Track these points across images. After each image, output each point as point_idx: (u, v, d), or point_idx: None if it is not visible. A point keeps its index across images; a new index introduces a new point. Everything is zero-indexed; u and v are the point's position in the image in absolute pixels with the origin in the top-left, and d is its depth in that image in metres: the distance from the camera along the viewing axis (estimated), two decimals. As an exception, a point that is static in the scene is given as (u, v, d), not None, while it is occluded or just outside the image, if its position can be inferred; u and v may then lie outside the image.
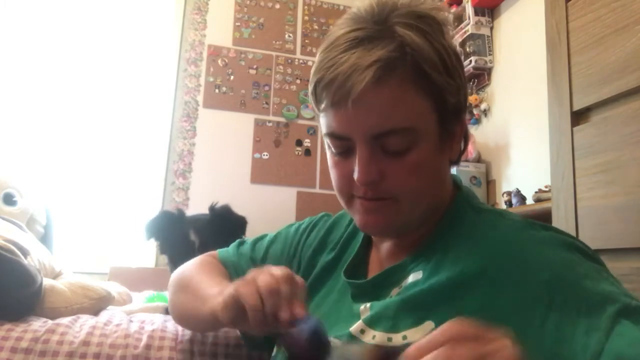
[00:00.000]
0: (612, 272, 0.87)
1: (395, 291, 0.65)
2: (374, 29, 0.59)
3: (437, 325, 0.54)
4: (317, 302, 0.77)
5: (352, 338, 0.63)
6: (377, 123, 0.58)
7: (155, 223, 1.34)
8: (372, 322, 0.62)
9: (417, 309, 0.59)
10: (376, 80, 0.56)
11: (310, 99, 0.64)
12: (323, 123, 0.64)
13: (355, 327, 0.63)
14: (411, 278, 0.64)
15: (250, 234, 1.27)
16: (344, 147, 0.62)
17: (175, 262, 1.22)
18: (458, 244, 0.62)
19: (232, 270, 0.86)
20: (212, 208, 1.39)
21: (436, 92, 0.59)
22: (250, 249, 0.90)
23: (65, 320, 1.00)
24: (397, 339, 0.59)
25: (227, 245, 0.99)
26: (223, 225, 1.33)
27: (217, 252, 0.95)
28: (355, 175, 0.61)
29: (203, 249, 1.16)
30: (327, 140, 0.65)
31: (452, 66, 0.60)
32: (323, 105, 0.61)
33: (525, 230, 0.61)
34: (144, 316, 1.14)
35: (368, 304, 0.66)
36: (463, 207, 0.67)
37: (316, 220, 0.87)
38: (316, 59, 0.62)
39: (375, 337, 0.61)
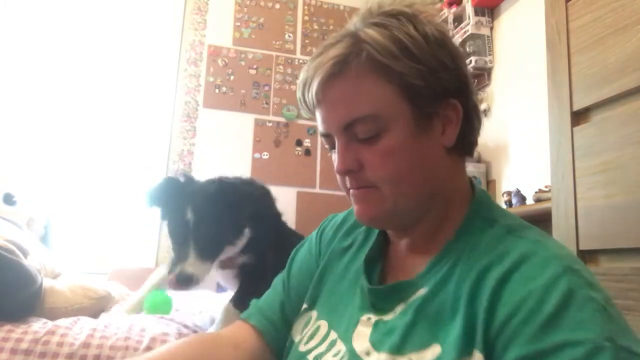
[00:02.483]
0: (612, 272, 0.86)
1: (400, 307, 0.64)
2: (342, 35, 0.65)
3: (443, 348, 0.55)
4: (330, 287, 0.77)
5: (356, 357, 0.63)
6: (342, 114, 0.63)
7: (157, 191, 1.21)
8: (377, 344, 0.62)
9: (424, 331, 0.59)
10: (332, 75, 0.62)
11: (301, 104, 0.71)
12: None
13: (360, 346, 0.64)
14: (418, 294, 0.63)
15: (250, 234, 1.24)
16: (332, 143, 0.67)
17: (173, 247, 1.16)
18: (463, 264, 0.61)
19: (264, 328, 0.81)
20: (217, 181, 1.21)
21: (398, 77, 0.61)
22: (287, 270, 0.89)
23: (65, 322, 1.00)
24: None
25: (227, 233, 1.07)
26: (225, 205, 1.16)
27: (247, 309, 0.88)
28: (335, 166, 0.66)
29: (197, 233, 1.11)
30: (323, 141, 0.71)
31: (420, 52, 0.61)
32: (311, 109, 0.69)
33: (528, 247, 0.57)
34: (145, 319, 1.14)
35: (373, 319, 0.65)
36: (475, 219, 0.65)
37: (330, 217, 0.90)
38: None
39: (379, 359, 0.60)
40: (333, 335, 0.70)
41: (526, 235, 0.59)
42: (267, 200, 1.34)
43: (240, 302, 1.20)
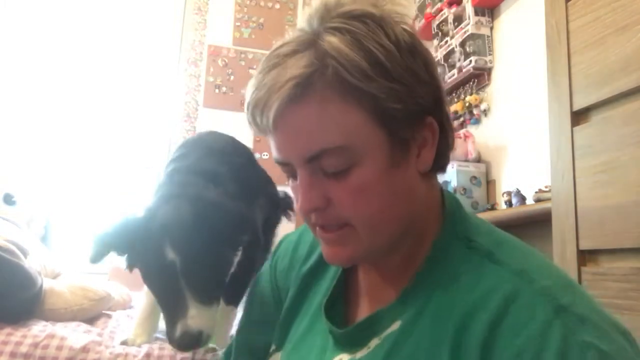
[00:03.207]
0: (612, 272, 0.86)
1: (375, 341, 0.58)
2: (301, 40, 0.54)
3: None
4: (294, 326, 0.71)
5: None
6: (305, 146, 0.53)
7: (114, 235, 0.91)
8: None
9: None
10: (291, 99, 0.51)
11: (250, 125, 0.58)
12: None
13: None
14: (392, 327, 0.57)
15: (249, 235, 1.17)
16: (290, 172, 0.58)
17: (160, 300, 0.89)
18: (438, 298, 0.55)
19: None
20: (195, 200, 0.91)
21: (370, 101, 0.52)
22: (248, 307, 0.83)
23: (65, 326, 1.00)
24: None
25: (225, 260, 0.85)
26: (214, 231, 0.89)
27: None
28: (298, 204, 0.56)
29: (189, 274, 0.84)
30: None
31: (394, 66, 0.52)
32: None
33: (512, 283, 0.51)
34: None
35: (345, 358, 0.60)
36: (449, 239, 0.58)
37: (278, 246, 0.81)
38: None
39: None
40: None
41: (507, 262, 0.53)
42: (255, 183, 1.09)
43: (233, 298, 1.09)
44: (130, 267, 0.91)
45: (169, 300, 0.85)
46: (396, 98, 0.52)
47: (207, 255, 0.86)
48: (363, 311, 0.64)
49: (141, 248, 0.88)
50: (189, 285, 0.84)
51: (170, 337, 0.84)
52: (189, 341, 0.82)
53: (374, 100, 0.52)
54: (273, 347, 0.73)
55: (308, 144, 0.53)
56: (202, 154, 1.09)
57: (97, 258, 0.92)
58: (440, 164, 0.60)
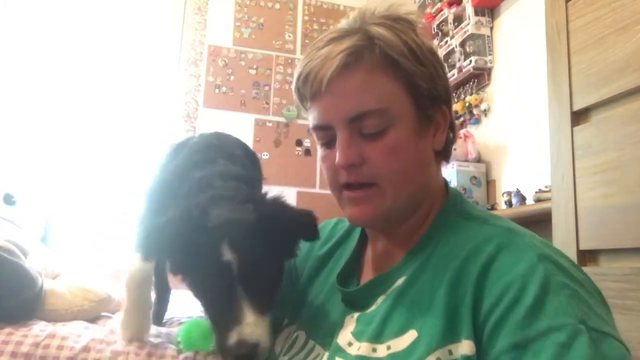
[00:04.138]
0: (612, 272, 0.86)
1: (381, 298, 0.65)
2: (349, 29, 0.66)
3: (420, 333, 0.57)
4: (309, 301, 0.78)
5: (339, 349, 0.64)
6: (351, 106, 0.63)
7: (163, 236, 0.78)
8: (358, 335, 0.63)
9: (400, 318, 0.60)
10: (344, 65, 0.62)
11: (296, 97, 0.70)
12: (310, 119, 0.68)
13: (343, 339, 0.65)
14: (397, 284, 0.65)
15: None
16: (328, 137, 0.66)
17: (210, 307, 0.78)
18: (439, 253, 0.63)
19: None
20: (258, 202, 0.81)
21: (406, 76, 0.64)
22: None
23: (66, 326, 1.00)
24: (381, 349, 0.59)
25: (279, 267, 0.76)
26: (277, 233, 0.78)
27: None
28: (336, 160, 0.64)
29: (245, 275, 0.73)
30: (314, 135, 0.69)
31: (422, 56, 0.65)
32: (307, 102, 0.68)
33: (504, 236, 0.60)
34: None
35: (355, 315, 0.67)
36: (449, 213, 0.68)
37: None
38: None
39: (360, 348, 0.61)
40: (311, 343, 0.71)
41: (500, 224, 0.63)
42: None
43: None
44: (176, 272, 0.81)
45: (221, 306, 0.75)
46: (423, 78, 0.65)
47: (267, 259, 0.77)
48: (370, 275, 0.72)
49: (192, 248, 0.77)
50: (246, 289, 0.73)
51: (222, 346, 0.73)
52: (245, 351, 0.71)
53: (408, 77, 0.64)
54: (286, 321, 0.79)
55: (355, 104, 0.63)
56: (229, 159, 0.98)
57: (153, 256, 0.87)
58: (447, 151, 0.72)
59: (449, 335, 0.55)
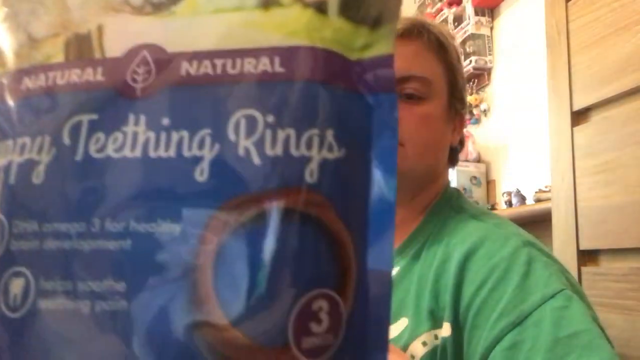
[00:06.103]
0: (612, 272, 0.87)
1: None
2: (405, 17, 0.73)
3: (410, 320, 0.60)
4: None
5: None
6: (404, 66, 0.68)
7: None
8: None
9: (394, 306, 0.62)
10: (407, 31, 0.69)
11: None
12: None
13: None
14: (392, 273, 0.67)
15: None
16: None
17: None
18: (430, 244, 0.66)
19: None
20: None
21: (450, 65, 0.71)
22: None
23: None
24: None
25: None
26: None
27: None
28: None
29: None
30: None
31: (456, 55, 0.73)
32: None
33: (489, 230, 0.63)
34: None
35: None
36: (444, 205, 0.72)
37: None
38: None
39: None
40: None
41: (488, 220, 0.66)
42: None
43: None
44: None
45: None
46: (459, 72, 0.73)
47: None
48: None
49: None
50: None
51: None
52: None
53: (451, 67, 0.71)
54: None
55: (407, 66, 0.68)
56: None
57: None
58: (452, 156, 0.76)
59: (434, 322, 0.59)
